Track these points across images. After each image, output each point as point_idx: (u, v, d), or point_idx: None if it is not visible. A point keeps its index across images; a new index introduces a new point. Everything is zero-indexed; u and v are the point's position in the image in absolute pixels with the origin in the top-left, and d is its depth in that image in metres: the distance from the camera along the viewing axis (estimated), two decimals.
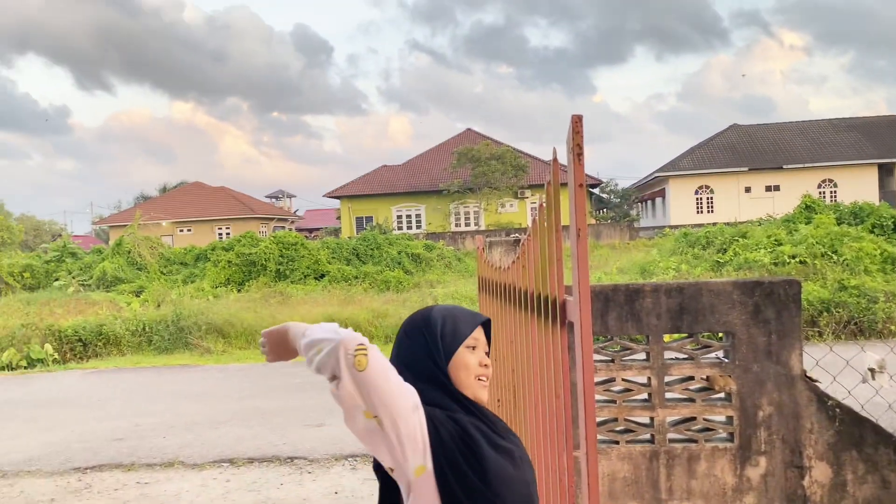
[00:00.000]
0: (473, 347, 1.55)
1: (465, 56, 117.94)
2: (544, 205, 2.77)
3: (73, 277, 24.26)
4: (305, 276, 23.63)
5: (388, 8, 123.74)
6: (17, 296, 21.40)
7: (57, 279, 24.36)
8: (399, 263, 24.78)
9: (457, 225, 42.83)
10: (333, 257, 25.25)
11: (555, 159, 2.60)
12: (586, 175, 2.45)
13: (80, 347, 14.66)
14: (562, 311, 2.60)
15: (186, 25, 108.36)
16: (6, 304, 19.02)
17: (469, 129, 48.61)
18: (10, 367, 13.64)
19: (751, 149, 42.76)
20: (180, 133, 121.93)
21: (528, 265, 3.07)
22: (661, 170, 43.96)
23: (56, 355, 14.19)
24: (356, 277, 23.00)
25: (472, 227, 41.44)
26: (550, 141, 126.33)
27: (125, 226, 37.39)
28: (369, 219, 43.14)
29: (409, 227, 43.15)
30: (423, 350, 1.55)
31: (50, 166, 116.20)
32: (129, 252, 25.77)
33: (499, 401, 3.98)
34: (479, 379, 1.53)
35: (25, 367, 13.64)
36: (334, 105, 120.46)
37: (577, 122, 2.43)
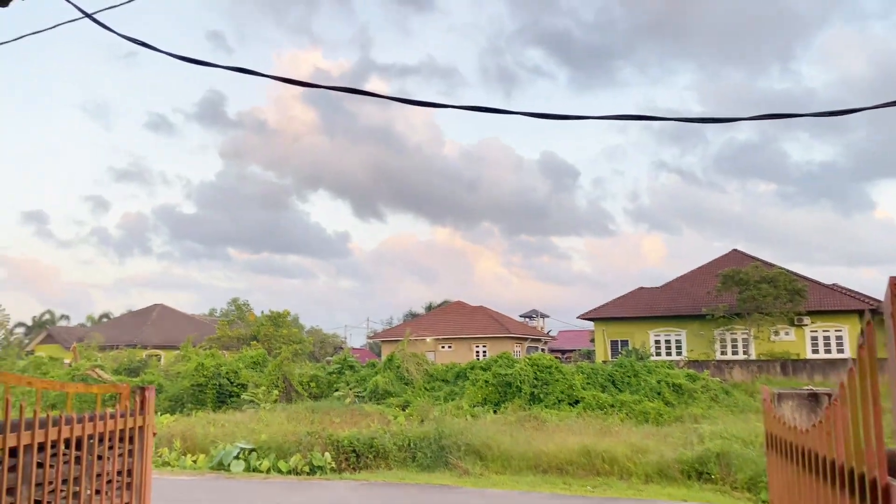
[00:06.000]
0: None
1: (717, 174, 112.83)
2: (855, 370, 2.49)
3: (350, 389, 26.63)
4: (559, 401, 23.41)
5: (633, 133, 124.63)
6: (304, 403, 23.99)
7: (336, 390, 26.92)
8: (658, 394, 23.51)
9: (722, 353, 39.78)
10: (588, 383, 24.77)
11: (868, 322, 2.35)
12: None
13: (353, 458, 15.83)
14: (884, 497, 2.26)
15: (444, 158, 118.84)
16: (296, 411, 21.36)
17: (735, 250, 45.90)
18: (295, 471, 15.12)
19: None
20: (441, 255, 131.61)
21: (835, 432, 2.75)
22: None
23: (333, 464, 15.46)
24: (612, 406, 22.24)
25: (741, 356, 38.16)
26: (825, 262, 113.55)
27: (395, 340, 40.62)
28: (625, 343, 41.87)
29: (668, 354, 41.00)
30: None
31: (333, 285, 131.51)
32: (398, 367, 27.75)
33: None
34: None
35: (308, 473, 15.02)
36: (581, 226, 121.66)
37: (895, 285, 2.20)
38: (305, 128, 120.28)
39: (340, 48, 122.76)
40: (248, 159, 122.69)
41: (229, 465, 15.43)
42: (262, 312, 47.97)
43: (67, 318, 74.27)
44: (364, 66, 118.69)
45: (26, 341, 63.14)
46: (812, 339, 37.93)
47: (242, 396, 25.47)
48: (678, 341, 41.94)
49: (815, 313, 37.13)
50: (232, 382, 26.88)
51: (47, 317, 73.21)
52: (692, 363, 33.62)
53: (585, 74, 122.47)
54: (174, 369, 29.64)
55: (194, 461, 16.10)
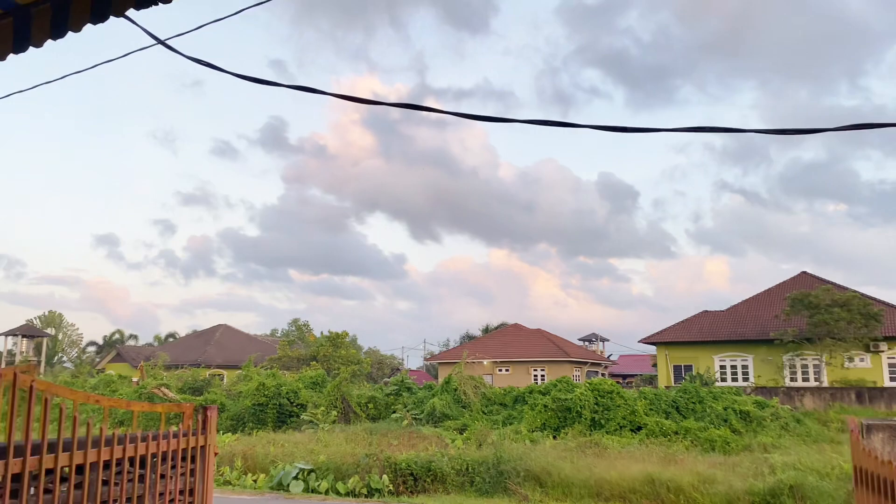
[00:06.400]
0: None
1: (783, 195, 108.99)
2: None
3: (408, 411, 26.56)
4: (621, 427, 22.81)
5: (694, 153, 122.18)
6: (362, 424, 24.03)
7: (394, 412, 26.88)
8: (725, 421, 22.65)
9: (792, 379, 38.21)
10: (651, 409, 24.07)
11: None
12: None
13: (411, 481, 15.70)
14: None
15: (500, 181, 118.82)
16: (354, 433, 21.39)
17: (803, 273, 44.24)
18: (353, 493, 15.09)
19: None
20: (497, 277, 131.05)
21: None
22: None
23: (391, 486, 15.37)
24: (676, 433, 21.54)
25: (812, 383, 36.55)
26: None
27: (452, 363, 40.47)
28: (688, 367, 40.68)
29: (735, 379, 39.62)
30: None
31: (391, 306, 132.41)
32: (456, 390, 27.56)
33: None
34: None
35: (365, 496, 14.96)
36: (641, 248, 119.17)
37: None
38: (363, 152, 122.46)
39: (397, 74, 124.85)
40: (309, 183, 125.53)
41: (288, 485, 15.52)
42: (322, 333, 48.57)
43: (136, 337, 76.83)
44: (420, 90, 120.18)
45: (97, 360, 65.49)
46: (890, 367, 36.09)
47: (302, 416, 25.70)
48: (744, 367, 40.52)
49: (894, 339, 35.34)
50: (292, 402, 27.17)
51: (117, 336, 75.86)
52: (760, 390, 32.36)
53: (643, 94, 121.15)
54: (236, 389, 30.17)
55: (254, 481, 16.26)
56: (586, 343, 71.65)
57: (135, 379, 37.15)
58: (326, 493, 15.12)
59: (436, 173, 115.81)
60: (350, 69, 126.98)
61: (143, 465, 4.36)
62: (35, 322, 75.18)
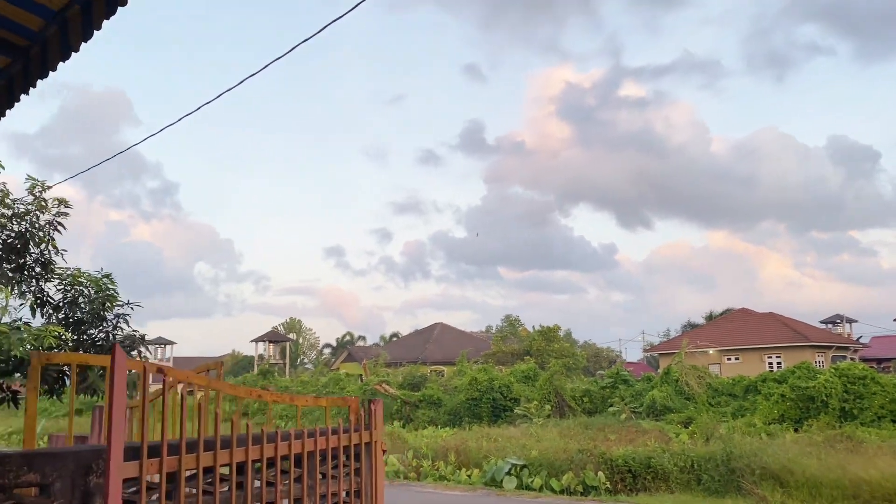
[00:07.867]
0: None
1: None
2: None
3: (626, 404, 25.21)
4: (879, 418, 19.72)
5: None
6: (577, 419, 23.17)
7: (611, 405, 25.66)
8: None
9: None
10: None
11: None
12: None
13: (629, 478, 14.63)
14: None
15: (712, 156, 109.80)
16: (568, 427, 20.63)
17: None
18: (568, 490, 14.35)
19: None
20: (717, 261, 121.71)
21: None
22: None
23: (608, 484, 14.41)
24: None
25: None
26: None
27: (673, 353, 38.08)
28: None
29: None
30: None
31: (604, 298, 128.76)
32: (677, 381, 25.68)
33: None
34: None
35: (581, 493, 14.16)
36: (888, 216, 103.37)
37: None
38: (561, 144, 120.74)
39: (591, 59, 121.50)
40: (510, 181, 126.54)
41: (501, 481, 15.18)
42: (534, 328, 48.29)
43: (364, 338, 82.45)
44: (616, 72, 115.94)
45: (332, 360, 71.11)
46: None
47: (515, 411, 25.44)
48: None
49: None
50: (505, 396, 27.03)
51: (348, 338, 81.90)
52: None
53: (876, 44, 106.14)
54: (451, 384, 30.75)
55: (468, 476, 16.15)
56: (829, 326, 64.30)
57: (361, 376, 39.50)
58: (540, 489, 14.55)
59: (640, 156, 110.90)
60: (543, 62, 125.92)
61: (298, 464, 4.05)
62: (279, 329, 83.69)
